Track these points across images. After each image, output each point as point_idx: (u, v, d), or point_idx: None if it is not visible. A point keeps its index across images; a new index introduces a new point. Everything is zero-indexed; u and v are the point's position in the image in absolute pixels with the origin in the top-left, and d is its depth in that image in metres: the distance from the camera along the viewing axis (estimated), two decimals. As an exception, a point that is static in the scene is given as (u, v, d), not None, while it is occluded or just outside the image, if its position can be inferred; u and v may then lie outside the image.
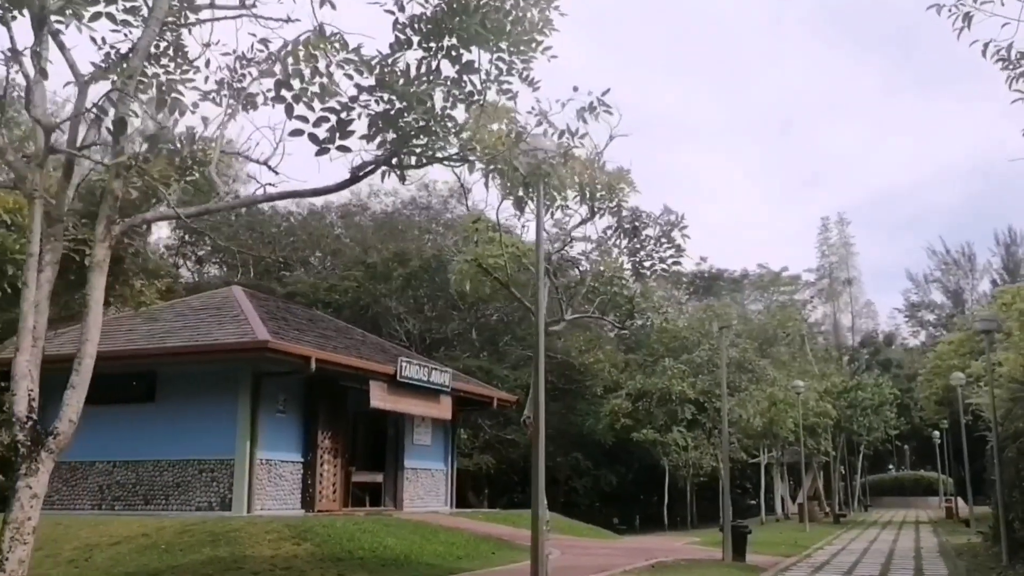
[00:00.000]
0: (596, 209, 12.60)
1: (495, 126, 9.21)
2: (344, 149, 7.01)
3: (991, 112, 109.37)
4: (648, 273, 11.77)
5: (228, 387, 19.05)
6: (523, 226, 12.42)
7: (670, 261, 11.63)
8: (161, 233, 55.17)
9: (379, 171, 7.94)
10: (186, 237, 51.01)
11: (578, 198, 12.56)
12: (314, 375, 20.02)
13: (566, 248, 12.05)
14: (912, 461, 76.70)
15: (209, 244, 48.28)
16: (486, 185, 9.59)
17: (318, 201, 50.40)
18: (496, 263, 11.55)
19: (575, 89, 8.23)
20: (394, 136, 7.23)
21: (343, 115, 6.83)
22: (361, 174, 7.39)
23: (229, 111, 7.83)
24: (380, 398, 21.12)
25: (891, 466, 77.70)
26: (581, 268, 12.01)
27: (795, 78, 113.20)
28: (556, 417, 43.41)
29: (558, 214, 12.67)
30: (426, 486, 25.32)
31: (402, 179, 8.56)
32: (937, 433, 52.54)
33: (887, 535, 29.75)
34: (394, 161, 7.97)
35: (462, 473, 40.91)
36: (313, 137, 6.98)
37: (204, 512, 18.39)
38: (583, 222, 12.40)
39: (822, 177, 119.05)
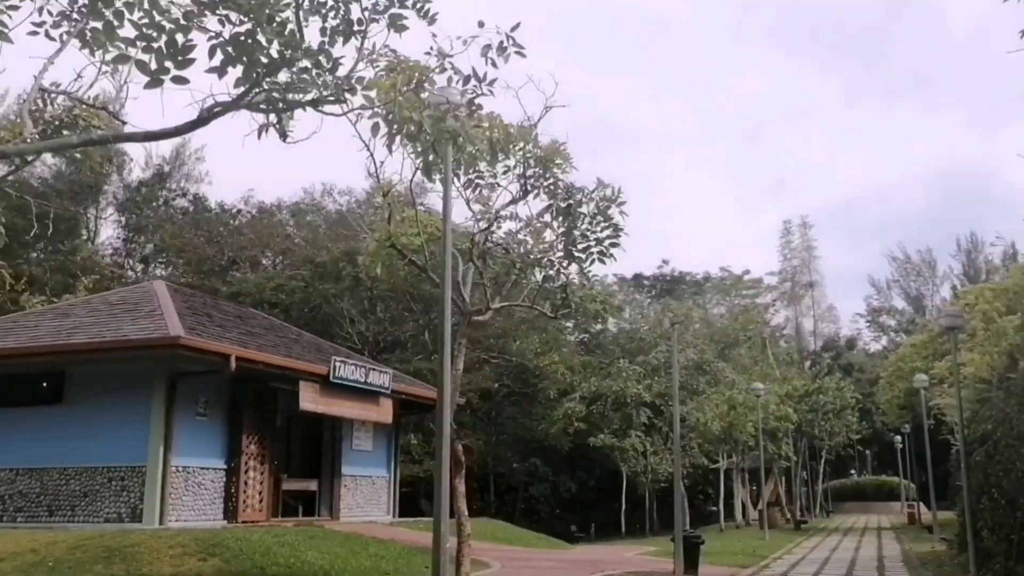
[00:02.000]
0: (529, 187, 11.33)
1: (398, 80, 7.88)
2: (180, 81, 5.65)
3: (952, 121, 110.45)
4: (584, 256, 10.52)
5: (141, 388, 17.52)
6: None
7: (607, 242, 10.38)
8: (107, 233, 53.42)
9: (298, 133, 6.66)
10: (130, 236, 49.29)
11: (508, 174, 11.30)
12: (239, 376, 18.55)
13: (492, 229, 10.74)
14: (874, 466, 76.46)
15: (153, 244, 46.57)
16: (389, 148, 8.24)
17: (268, 199, 48.83)
18: (412, 243, 10.27)
19: (480, 25, 6.93)
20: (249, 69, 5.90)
21: (177, 38, 5.48)
22: (209, 115, 6.04)
23: (60, 44, 6.45)
24: (311, 400, 19.68)
25: (853, 471, 77.37)
26: (510, 250, 10.70)
27: (759, 86, 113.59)
28: (511, 422, 42.21)
29: (486, 192, 11.41)
30: (366, 494, 23.87)
31: (282, 136, 7.22)
32: (899, 438, 52.10)
33: (849, 543, 28.80)
34: (269, 109, 6.64)
35: (415, 481, 39.50)
36: (142, 65, 5.63)
37: (113, 524, 16.84)
38: (514, 201, 11.15)
39: (786, 184, 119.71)
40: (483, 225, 10.59)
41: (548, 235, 10.53)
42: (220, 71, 5.96)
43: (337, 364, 20.30)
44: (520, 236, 10.51)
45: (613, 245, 10.28)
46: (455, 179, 11.14)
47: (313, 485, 22.16)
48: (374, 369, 21.99)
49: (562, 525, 45.96)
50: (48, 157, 55.57)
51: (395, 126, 8.08)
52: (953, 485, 20.87)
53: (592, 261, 10.48)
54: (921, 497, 47.81)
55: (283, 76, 6.35)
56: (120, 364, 17.65)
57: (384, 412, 22.51)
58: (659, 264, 64.38)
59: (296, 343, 22.62)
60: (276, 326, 24.30)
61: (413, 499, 42.13)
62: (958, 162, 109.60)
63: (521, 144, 11.04)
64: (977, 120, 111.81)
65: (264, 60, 6.04)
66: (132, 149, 62.80)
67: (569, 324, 59.52)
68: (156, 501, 16.96)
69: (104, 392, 17.92)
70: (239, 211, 46.58)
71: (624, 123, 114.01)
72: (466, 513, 10.29)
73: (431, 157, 8.17)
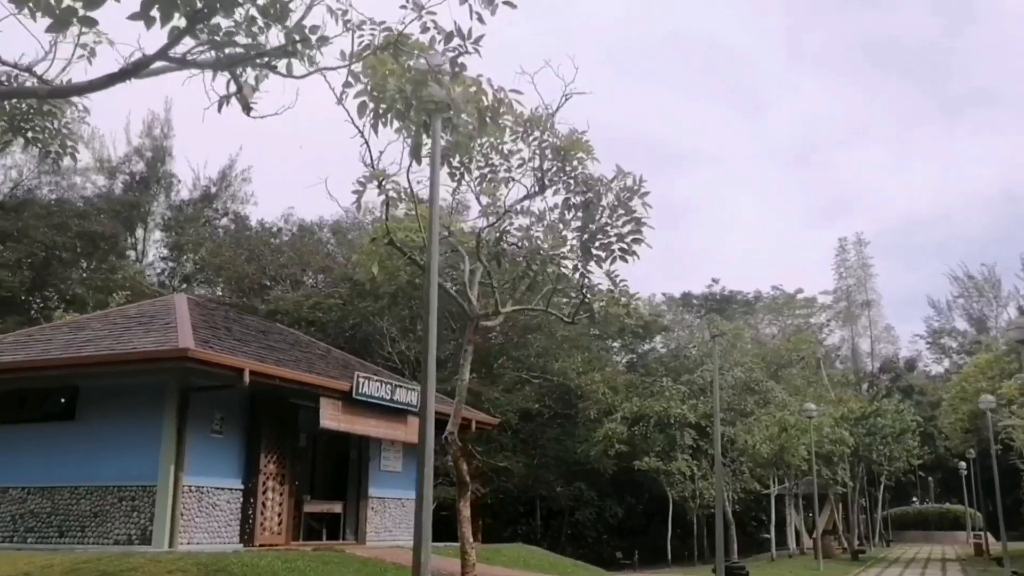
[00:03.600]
0: (547, 182, 10.29)
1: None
2: (89, 23, 4.75)
3: (1017, 138, 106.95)
4: (603, 254, 9.42)
5: (152, 404, 16.78)
6: (455, 199, 10.05)
7: (629, 238, 9.27)
8: (153, 253, 53.76)
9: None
10: (172, 255, 49.45)
11: (524, 167, 10.28)
12: (257, 392, 17.80)
13: (502, 225, 9.68)
14: (937, 493, 73.28)
15: (193, 262, 46.53)
16: (375, 127, 7.26)
17: (309, 216, 48.54)
18: (412, 240, 9.29)
19: (460, -30, 5.96)
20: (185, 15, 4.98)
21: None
22: (134, 68, 5.13)
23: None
24: (332, 417, 18.78)
25: (915, 498, 74.25)
26: (521, 246, 9.62)
27: (813, 107, 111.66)
28: (553, 444, 40.95)
29: (495, 184, 10.38)
30: (395, 517, 22.87)
31: (244, 107, 6.32)
32: (963, 464, 49.61)
33: (911, 575, 26.95)
34: (212, 66, 5.72)
35: (450, 505, 38.44)
36: (45, 6, 4.74)
37: (122, 546, 16.08)
38: (528, 196, 10.12)
39: (841, 206, 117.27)
40: (492, 220, 9.59)
41: (563, 231, 9.45)
42: (143, 16, 5.03)
43: (360, 380, 19.39)
44: (533, 232, 9.45)
45: (636, 241, 9.17)
46: (464, 172, 10.16)
47: (338, 507, 21.24)
48: (401, 386, 21.02)
49: (609, 551, 44.49)
50: (95, 176, 56.39)
51: (383, 104, 7.11)
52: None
53: (613, 259, 9.37)
54: (988, 527, 45.28)
55: (224, 25, 5.40)
56: (131, 379, 16.95)
57: (412, 431, 21.45)
58: (708, 283, 62.80)
59: (322, 359, 21.78)
60: (302, 342, 23.51)
61: (450, 523, 41.13)
62: (1023, 180, 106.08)
63: (537, 133, 10.01)
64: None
65: (198, 3, 5.10)
66: (181, 171, 63.53)
67: (616, 344, 58.34)
68: (166, 522, 16.15)
69: (116, 408, 17.24)
70: (279, 229, 46.29)
71: (676, 144, 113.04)
72: (471, 539, 9.22)
73: (422, 137, 7.14)
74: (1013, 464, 29.97)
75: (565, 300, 10.16)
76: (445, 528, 39.67)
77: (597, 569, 25.13)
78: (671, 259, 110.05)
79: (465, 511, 9.37)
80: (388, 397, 20.25)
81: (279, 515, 18.62)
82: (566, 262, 9.55)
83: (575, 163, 10.21)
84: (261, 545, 17.81)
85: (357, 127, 8.29)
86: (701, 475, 33.89)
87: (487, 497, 40.74)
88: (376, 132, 7.45)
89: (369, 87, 6.98)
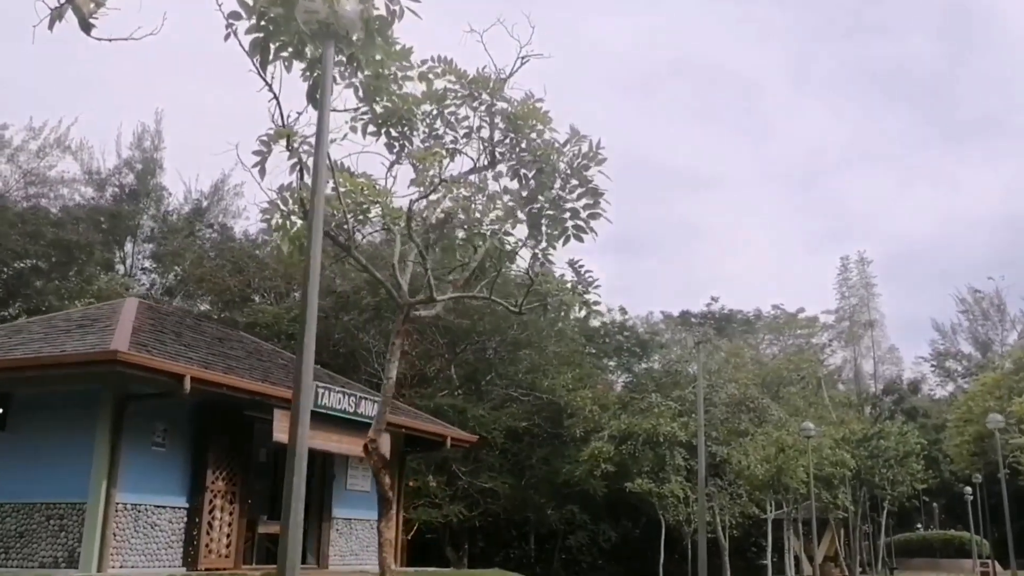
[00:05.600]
0: (497, 155, 8.96)
1: None
2: None
3: (1018, 166, 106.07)
4: (555, 232, 8.06)
5: (85, 413, 15.42)
6: (392, 174, 8.69)
7: (585, 213, 7.92)
8: (141, 264, 52.56)
9: None
10: (155, 267, 48.27)
11: (471, 137, 8.95)
12: (207, 402, 16.47)
13: (437, 197, 8.30)
14: (941, 520, 71.31)
15: (174, 274, 45.27)
16: (263, 68, 5.97)
17: (296, 229, 47.32)
18: (336, 215, 7.93)
19: None
20: None
21: None
22: None
23: None
24: (287, 431, 17.33)
25: (919, 525, 72.29)
26: (457, 219, 8.25)
27: (818, 132, 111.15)
28: (542, 464, 39.40)
29: (448, 161, 9.04)
30: (362, 540, 21.37)
31: (83, 26, 5.04)
32: (969, 489, 47.99)
33: (914, 605, 25.34)
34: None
35: (436, 527, 36.84)
36: None
37: (49, 570, 14.68)
38: (475, 170, 8.78)
39: (845, 230, 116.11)
40: (426, 191, 8.21)
41: (509, 202, 8.06)
42: None
43: (320, 391, 17.95)
44: (472, 205, 8.10)
45: (593, 216, 7.82)
46: (404, 143, 8.83)
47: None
48: (366, 398, 19.58)
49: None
50: (83, 187, 55.42)
51: (279, 40, 5.78)
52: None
53: (567, 237, 8.02)
54: (996, 554, 43.55)
55: None
56: (62, 385, 15.58)
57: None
58: (708, 302, 61.41)
59: (282, 369, 20.36)
60: (264, 351, 22.12)
61: (437, 546, 39.46)
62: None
63: (485, 97, 8.69)
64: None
65: None
66: (172, 184, 62.53)
67: (612, 362, 56.83)
68: (95, 544, 14.71)
69: (48, 418, 15.88)
70: (264, 241, 44.98)
71: (679, 167, 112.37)
72: (393, 567, 7.76)
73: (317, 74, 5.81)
74: (1022, 489, 28.41)
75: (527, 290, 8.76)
76: (429, 552, 38.19)
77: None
78: (674, 280, 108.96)
79: (387, 533, 7.97)
80: (352, 410, 18.84)
81: (228, 536, 17.17)
82: (510, 238, 8.19)
83: (530, 133, 8.86)
84: (207, 569, 16.37)
85: (259, 72, 6.96)
86: (696, 498, 32.26)
87: (475, 520, 39.18)
88: (263, 72, 6.15)
89: (256, 19, 5.66)
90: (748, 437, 29.31)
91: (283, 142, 7.49)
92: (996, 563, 41.19)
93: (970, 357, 73.87)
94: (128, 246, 57.13)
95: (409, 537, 34.71)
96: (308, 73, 6.45)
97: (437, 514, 34.42)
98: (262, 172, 7.54)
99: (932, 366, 76.19)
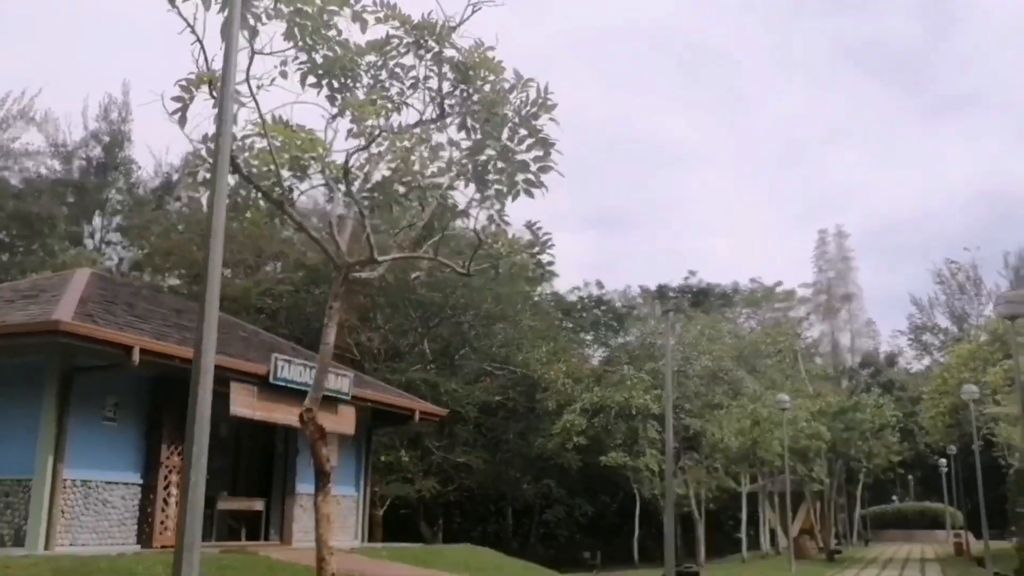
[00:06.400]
0: (446, 107, 8.37)
1: None
2: None
3: (999, 140, 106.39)
4: (503, 186, 7.50)
5: (30, 386, 14.76)
6: (334, 127, 8.07)
7: (536, 166, 7.35)
8: (110, 238, 51.62)
9: None
10: (122, 241, 47.38)
11: (418, 86, 8.36)
12: (161, 375, 15.86)
13: (376, 150, 7.70)
14: (917, 492, 71.89)
15: (139, 248, 44.37)
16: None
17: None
18: (268, 169, 7.34)
19: None
20: None
21: None
22: None
23: None
24: (245, 404, 16.81)
25: (894, 497, 72.87)
26: (398, 174, 7.65)
27: (798, 109, 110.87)
28: (517, 439, 39.07)
29: (394, 115, 8.44)
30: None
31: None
32: (943, 461, 48.19)
33: (888, 577, 25.23)
34: None
35: (410, 502, 36.46)
36: None
37: (-6, 548, 14.10)
38: (422, 123, 8.19)
39: (824, 206, 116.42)
40: (365, 144, 7.61)
41: (454, 152, 7.50)
42: None
43: (279, 363, 17.40)
44: (413, 157, 7.51)
45: (543, 169, 7.28)
46: (346, 94, 8.24)
47: (259, 505, 19.25)
48: (329, 371, 19.02)
49: (581, 550, 42.65)
50: (49, 160, 54.34)
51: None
52: (1012, 511, 17.40)
53: (516, 193, 7.48)
54: (969, 525, 43.76)
55: None
56: (6, 358, 14.91)
57: (344, 422, 19.54)
58: (685, 276, 61.12)
59: (242, 341, 19.77)
60: (225, 323, 21.28)
61: (412, 522, 39.11)
62: (1004, 181, 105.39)
63: (432, 44, 8.09)
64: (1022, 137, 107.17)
65: None
66: (141, 157, 61.35)
67: (589, 336, 56.49)
68: (42, 521, 14.14)
69: (-4, 391, 15.24)
70: (230, 215, 44.13)
71: (661, 144, 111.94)
72: (331, 544, 7.27)
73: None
74: (996, 460, 28.33)
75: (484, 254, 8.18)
76: (404, 527, 37.81)
77: (551, 572, 23.23)
78: (653, 256, 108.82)
79: (325, 508, 7.45)
80: (313, 383, 18.29)
81: (185, 513, 16.60)
82: (456, 195, 7.64)
83: (483, 86, 8.27)
84: (162, 547, 15.81)
85: (176, 10, 6.32)
86: (671, 472, 32.02)
87: (450, 495, 38.85)
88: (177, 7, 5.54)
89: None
90: (723, 410, 29.02)
91: (205, 88, 6.90)
92: (969, 534, 41.35)
93: (946, 331, 74.15)
94: (97, 220, 56.09)
95: (382, 512, 34.36)
96: (223, 7, 5.86)
97: (410, 489, 34.03)
98: (183, 121, 6.94)
99: (909, 340, 76.49)
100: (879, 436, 43.88)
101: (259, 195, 7.73)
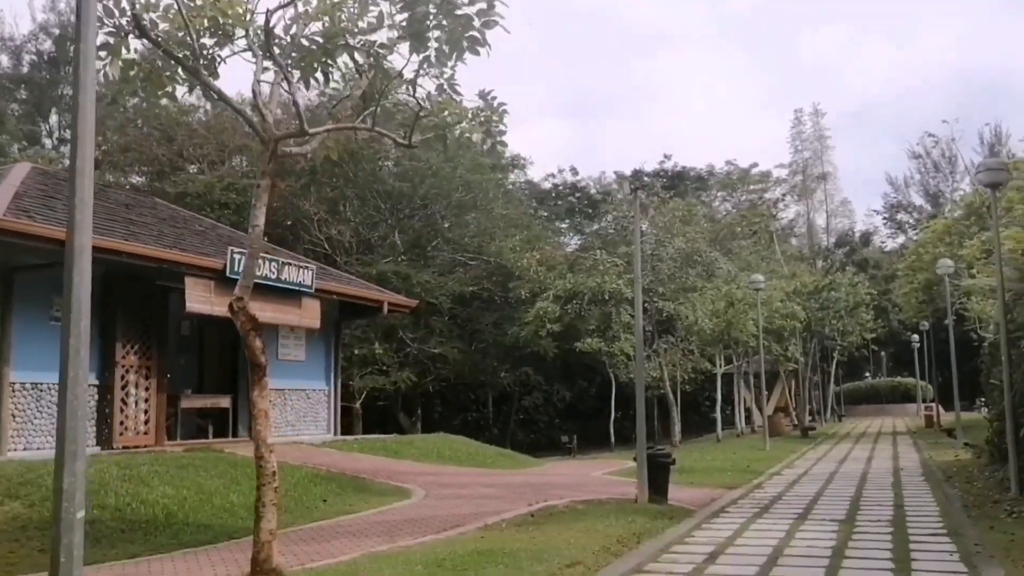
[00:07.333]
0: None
1: None
2: None
3: (971, 18, 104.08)
4: (445, 46, 6.67)
5: (-30, 288, 14.07)
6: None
7: (480, 21, 6.52)
8: (63, 135, 49.84)
9: None
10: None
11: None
12: (112, 273, 15.17)
13: (302, 8, 6.82)
14: (889, 368, 73.24)
15: (98, 145, 42.72)
16: None
17: (229, 91, 44.72)
18: (176, 27, 6.47)
19: None
20: None
21: None
22: None
23: None
24: (202, 300, 16.21)
25: (867, 373, 74.24)
26: (329, 32, 6.78)
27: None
28: (492, 328, 38.86)
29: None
30: (298, 411, 20.64)
31: None
32: (916, 337, 48.72)
33: (860, 451, 25.55)
34: None
35: (387, 394, 36.41)
36: None
37: (-54, 455, 13.65)
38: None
39: (801, 87, 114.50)
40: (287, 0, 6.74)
41: (385, 7, 6.65)
42: None
43: (236, 257, 16.71)
44: (341, 13, 6.64)
45: (487, 24, 6.48)
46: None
47: (225, 402, 18.92)
48: (289, 263, 18.42)
49: (560, 435, 43.16)
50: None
51: None
52: (987, 384, 17.32)
53: (460, 52, 6.70)
54: (940, 398, 44.57)
55: None
56: (-59, 259, 14.14)
57: (309, 315, 19.05)
58: (660, 160, 60.12)
59: (198, 236, 19.00)
60: (181, 217, 20.65)
61: (392, 413, 39.23)
62: (979, 60, 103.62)
63: None
64: (998, 12, 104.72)
65: None
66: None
67: (565, 224, 55.87)
68: (-8, 426, 13.70)
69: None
70: (193, 106, 42.43)
71: (636, 24, 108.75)
72: (269, 441, 6.78)
73: None
74: (967, 335, 28.41)
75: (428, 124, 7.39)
76: (384, 418, 37.92)
77: (526, 458, 23.29)
78: (630, 144, 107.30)
79: (261, 403, 6.93)
80: (274, 276, 17.69)
81: (146, 413, 16.21)
82: (397, 58, 6.82)
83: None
84: (124, 447, 15.49)
85: None
86: (647, 356, 31.95)
87: (428, 386, 38.85)
88: None
89: None
90: (697, 292, 28.73)
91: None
92: (940, 406, 42.13)
93: (921, 209, 74.12)
94: (54, 119, 54.05)
95: (358, 405, 34.33)
96: None
97: (385, 381, 33.88)
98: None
99: (884, 218, 76.48)
100: (853, 314, 44.09)
101: (173, 64, 6.89)
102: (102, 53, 6.16)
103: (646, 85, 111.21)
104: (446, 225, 39.42)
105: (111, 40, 6.25)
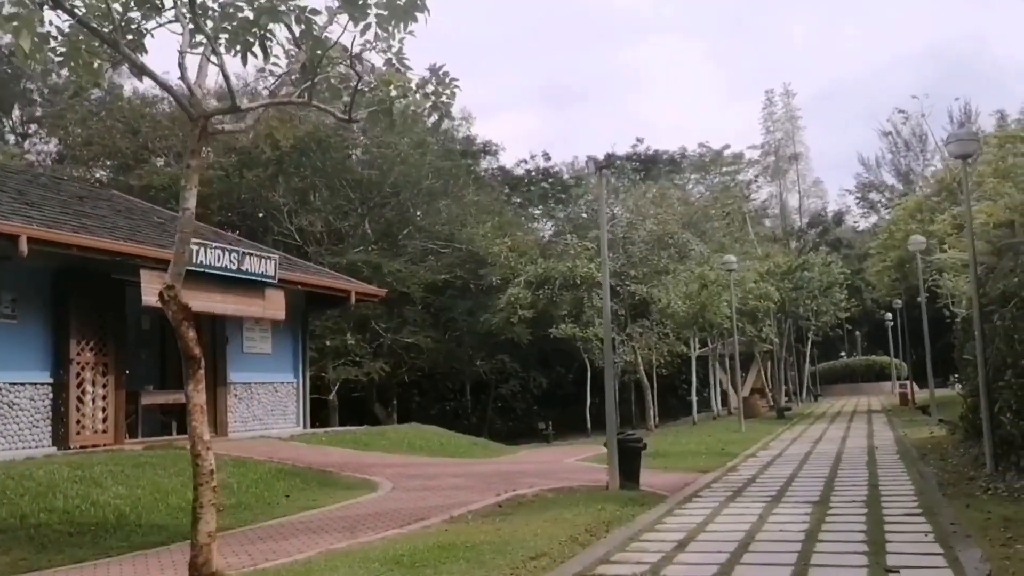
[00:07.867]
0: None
1: None
2: None
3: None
4: (384, 11, 6.28)
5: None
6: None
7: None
8: (26, 131, 48.74)
9: None
10: (34, 128, 44.83)
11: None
12: (65, 267, 14.70)
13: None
14: (864, 347, 73.65)
15: (58, 139, 41.96)
16: None
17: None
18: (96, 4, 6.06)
19: None
20: None
21: None
22: None
23: None
24: (158, 293, 15.66)
25: (842, 353, 74.63)
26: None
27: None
28: (465, 317, 38.52)
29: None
30: (266, 405, 20.21)
31: None
32: (889, 315, 48.90)
33: (835, 431, 25.47)
34: None
35: (362, 384, 36.00)
36: None
37: None
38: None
39: (771, 70, 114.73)
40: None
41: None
42: None
43: (195, 249, 16.21)
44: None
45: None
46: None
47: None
48: (251, 254, 17.94)
49: (537, 421, 42.95)
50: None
51: None
52: (961, 360, 17.19)
53: (399, 18, 6.31)
54: (914, 375, 44.76)
55: None
56: None
57: (273, 307, 18.60)
58: (633, 143, 59.83)
59: (156, 228, 18.49)
60: (139, 209, 20.13)
61: (364, 405, 38.80)
62: (949, 39, 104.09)
63: None
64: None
65: None
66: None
67: (537, 210, 55.51)
68: (-60, 428, 13.21)
69: None
70: (157, 98, 41.64)
71: (610, 10, 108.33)
72: (206, 437, 6.40)
73: None
74: (940, 312, 28.41)
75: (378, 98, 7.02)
76: (358, 409, 37.48)
77: (499, 446, 23.00)
78: (603, 130, 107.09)
79: (196, 398, 6.55)
80: (235, 267, 17.22)
81: (104, 411, 15.74)
82: (316, 16, 6.38)
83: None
84: (81, 447, 15.02)
85: None
86: (620, 341, 31.74)
87: (403, 376, 38.46)
88: None
89: None
90: (670, 275, 28.51)
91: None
92: (914, 383, 42.29)
93: (892, 188, 74.36)
94: (17, 113, 52.90)
95: (333, 396, 33.89)
96: None
97: (358, 372, 33.46)
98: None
99: (856, 198, 76.66)
100: (827, 294, 44.12)
101: (94, 37, 6.46)
102: (11, 24, 5.71)
103: (620, 71, 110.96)
104: (417, 213, 38.97)
105: (20, 10, 5.82)
